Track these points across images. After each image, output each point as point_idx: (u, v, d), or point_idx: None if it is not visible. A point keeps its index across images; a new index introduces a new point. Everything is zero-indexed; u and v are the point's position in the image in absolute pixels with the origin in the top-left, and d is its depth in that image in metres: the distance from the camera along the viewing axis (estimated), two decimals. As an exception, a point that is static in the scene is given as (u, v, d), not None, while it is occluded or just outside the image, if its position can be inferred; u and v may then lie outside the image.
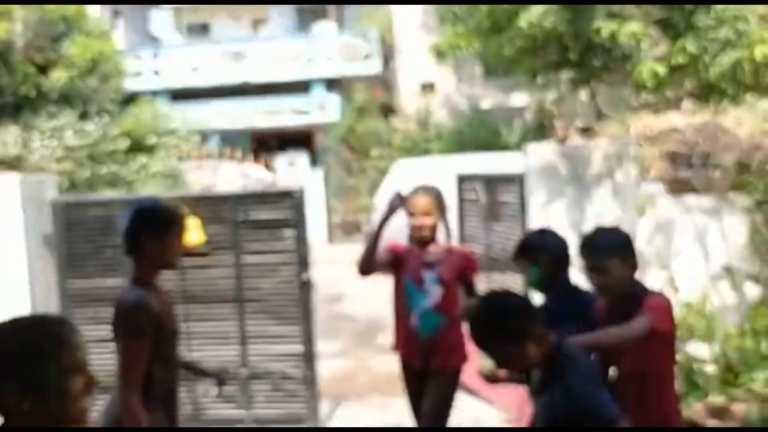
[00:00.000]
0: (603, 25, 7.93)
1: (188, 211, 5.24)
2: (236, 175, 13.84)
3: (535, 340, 2.36)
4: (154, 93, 17.54)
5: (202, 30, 24.20)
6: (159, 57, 19.37)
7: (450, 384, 3.83)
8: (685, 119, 5.48)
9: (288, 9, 23.06)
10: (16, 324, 1.74)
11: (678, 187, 5.47)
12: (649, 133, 5.41)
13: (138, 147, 14.03)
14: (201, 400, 5.51)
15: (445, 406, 3.80)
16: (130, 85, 15.51)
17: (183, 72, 19.05)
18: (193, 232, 5.20)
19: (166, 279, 5.34)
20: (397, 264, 3.87)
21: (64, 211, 5.39)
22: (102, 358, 5.47)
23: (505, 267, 5.66)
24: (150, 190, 12.35)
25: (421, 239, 3.82)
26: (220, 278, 5.47)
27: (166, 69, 19.17)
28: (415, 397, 3.87)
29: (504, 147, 12.27)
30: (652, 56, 8.04)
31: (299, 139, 19.12)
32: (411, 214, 3.81)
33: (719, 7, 8.04)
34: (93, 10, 15.20)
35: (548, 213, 5.08)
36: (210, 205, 5.40)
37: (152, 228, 2.88)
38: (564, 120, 10.42)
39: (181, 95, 18.98)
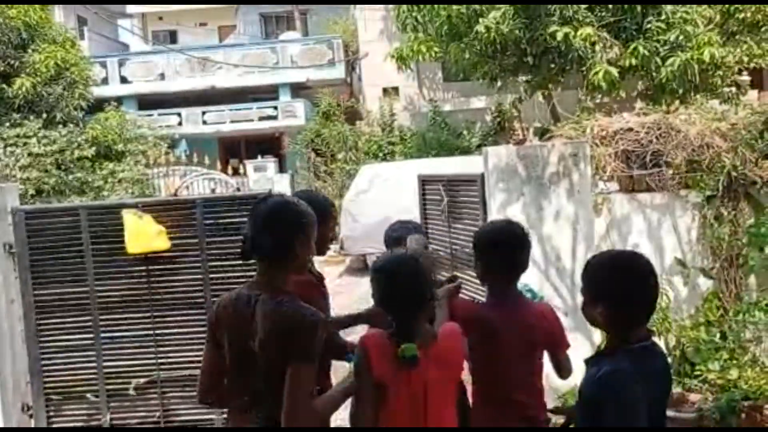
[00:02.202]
0: (557, 30, 8.18)
1: (154, 217, 5.31)
2: (204, 181, 13.84)
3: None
4: (121, 100, 17.45)
5: (168, 38, 24.12)
6: (125, 64, 19.28)
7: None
8: (637, 119, 5.68)
9: (254, 17, 23.13)
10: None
11: (632, 186, 5.66)
12: (604, 133, 5.58)
13: (105, 154, 13.99)
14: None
15: None
16: (97, 92, 15.42)
17: (150, 79, 18.99)
18: (160, 238, 5.24)
19: (133, 285, 5.43)
20: None
21: (25, 220, 5.39)
22: (71, 366, 5.52)
23: (466, 264, 5.79)
24: (118, 196, 12.31)
25: None
26: (188, 283, 5.51)
27: (132, 76, 19.10)
28: None
29: (465, 148, 12.48)
30: (605, 59, 8.31)
31: (267, 144, 19.18)
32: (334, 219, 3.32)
33: (669, 10, 8.34)
34: (57, 18, 15.10)
35: (507, 212, 5.21)
36: (176, 211, 5.43)
37: (304, 231, 2.52)
38: (522, 122, 10.68)
39: (148, 102, 18.91)
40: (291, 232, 2.48)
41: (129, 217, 5.21)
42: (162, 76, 19.02)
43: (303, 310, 2.43)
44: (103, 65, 18.55)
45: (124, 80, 19.01)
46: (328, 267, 11.96)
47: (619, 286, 2.23)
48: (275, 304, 2.43)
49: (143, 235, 5.19)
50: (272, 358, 2.42)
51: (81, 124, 13.92)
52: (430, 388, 2.47)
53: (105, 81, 18.21)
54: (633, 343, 2.22)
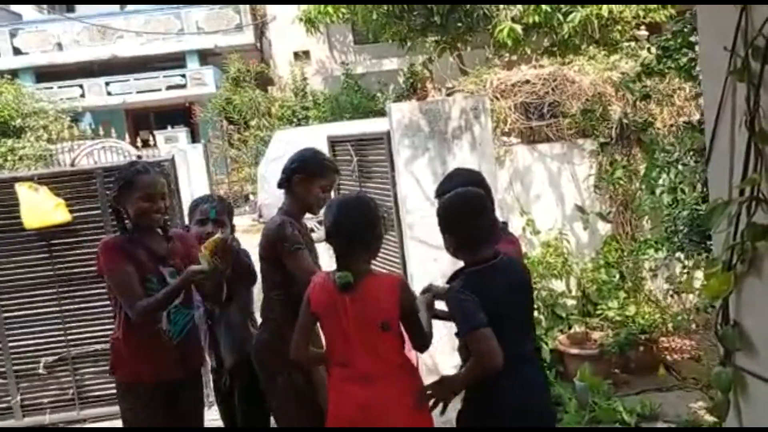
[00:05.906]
0: (462, -13, 8.30)
1: (52, 189, 5.12)
2: (112, 154, 13.37)
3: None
4: (16, 73, 16.56)
5: (65, 7, 22.92)
6: (18, 34, 18.27)
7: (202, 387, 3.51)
8: (534, 72, 5.82)
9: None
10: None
11: (532, 137, 5.82)
12: (503, 86, 5.70)
13: (3, 130, 13.29)
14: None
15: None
16: (-12, 65, 14.58)
17: (46, 49, 18.09)
18: (58, 211, 5.07)
19: (35, 262, 5.26)
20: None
21: None
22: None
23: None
24: (21, 173, 11.75)
25: (152, 226, 3.21)
26: (93, 256, 5.35)
27: (27, 47, 18.13)
28: (167, 415, 3.15)
29: (379, 111, 12.49)
30: (509, 16, 8.48)
31: (177, 114, 18.66)
32: (148, 196, 3.14)
33: (568, -34, 8.61)
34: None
35: (414, 168, 5.29)
36: (75, 182, 5.27)
37: (303, 172, 3.22)
38: (435, 82, 10.77)
39: (47, 74, 18.01)
40: (291, 171, 3.23)
41: (23, 191, 5.02)
42: (59, 46, 18.13)
43: (277, 219, 3.15)
44: (-6, 37, 17.56)
45: (18, 51, 18.04)
46: (247, 235, 11.82)
47: (458, 219, 2.70)
48: (269, 221, 3.19)
49: (40, 208, 5.01)
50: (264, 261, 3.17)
51: (-28, 100, 13.17)
52: (353, 321, 2.66)
53: (-4, 53, 17.27)
54: (480, 263, 2.65)
